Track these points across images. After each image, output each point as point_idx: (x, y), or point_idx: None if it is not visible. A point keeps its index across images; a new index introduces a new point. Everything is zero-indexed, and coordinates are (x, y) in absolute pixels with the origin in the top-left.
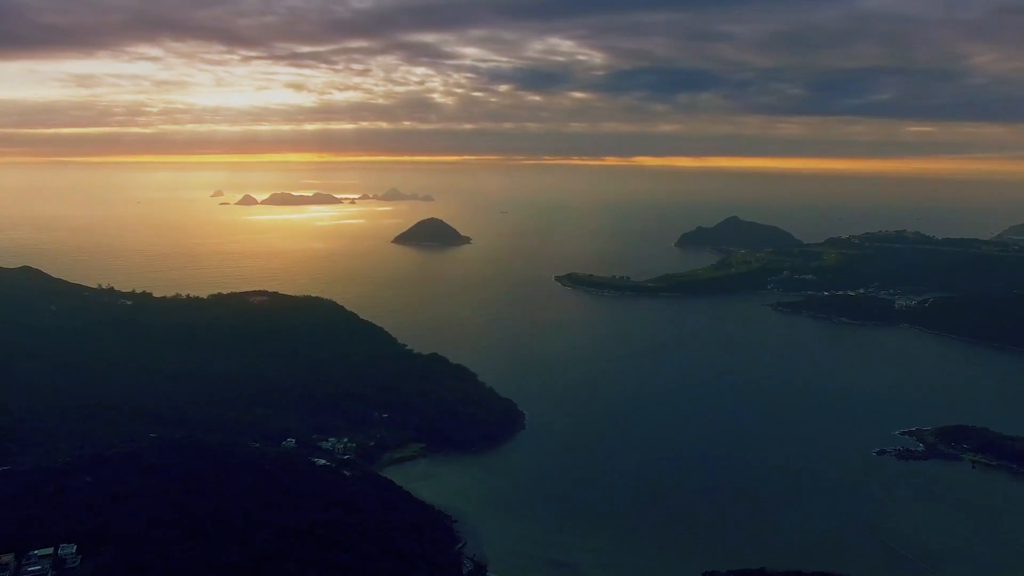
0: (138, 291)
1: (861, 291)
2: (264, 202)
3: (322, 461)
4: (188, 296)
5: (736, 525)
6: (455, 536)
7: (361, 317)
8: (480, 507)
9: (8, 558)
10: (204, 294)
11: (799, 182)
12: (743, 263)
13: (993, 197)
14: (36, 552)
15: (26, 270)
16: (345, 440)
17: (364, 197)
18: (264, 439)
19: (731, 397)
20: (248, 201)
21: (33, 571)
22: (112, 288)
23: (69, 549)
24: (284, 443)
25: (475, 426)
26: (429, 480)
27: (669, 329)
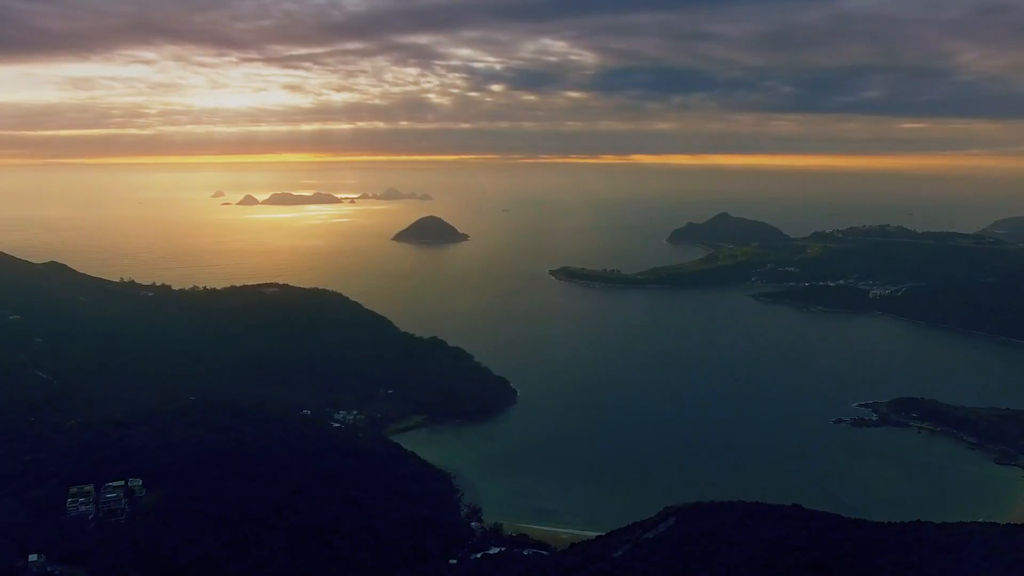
0: (157, 284)
1: (841, 282)
2: (265, 202)
3: (337, 424)
4: (205, 288)
5: (699, 477)
6: (453, 488)
7: (365, 307)
8: (475, 467)
9: (90, 488)
10: (218, 287)
11: (793, 179)
12: (729, 257)
13: (984, 192)
14: (110, 484)
15: (53, 265)
16: (355, 413)
17: (363, 196)
18: (281, 411)
19: (705, 374)
20: (249, 201)
21: (110, 497)
22: (133, 281)
23: (136, 482)
24: (300, 415)
25: (472, 400)
26: (430, 446)
27: (653, 317)
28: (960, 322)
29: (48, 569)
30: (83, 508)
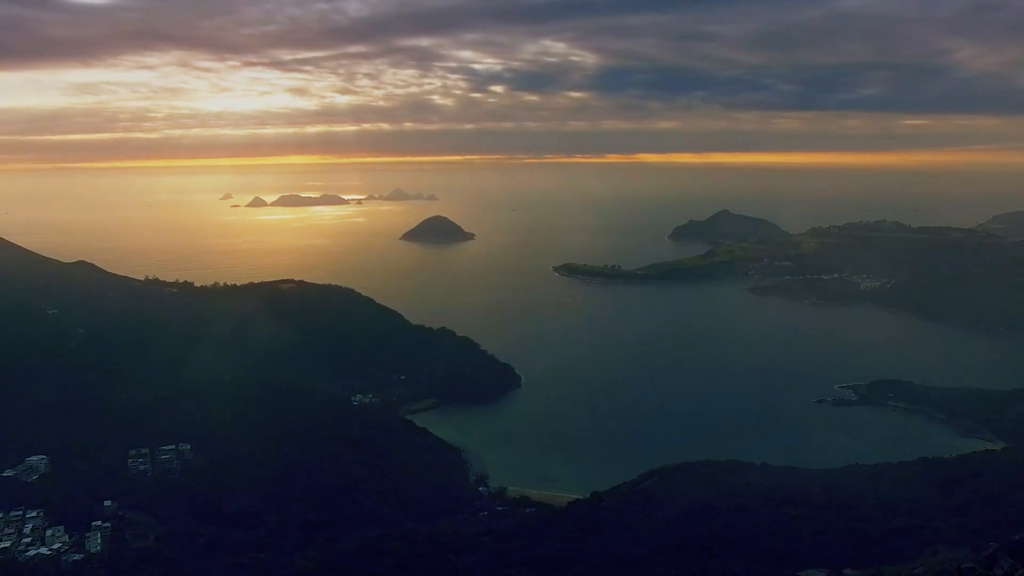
0: (180, 281)
1: (835, 275)
2: (273, 204)
3: (356, 404)
4: (225, 285)
5: (687, 449)
6: (463, 459)
7: (377, 302)
8: (483, 443)
9: (146, 451)
10: (237, 283)
11: (796, 176)
12: (727, 252)
13: (987, 187)
14: (164, 448)
15: (82, 264)
16: (371, 396)
17: (370, 197)
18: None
19: (698, 360)
20: (258, 203)
21: (164, 459)
22: (157, 279)
23: (185, 447)
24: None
25: (479, 384)
26: (441, 425)
27: (651, 309)
28: (945, 311)
29: (119, 513)
30: (142, 467)
